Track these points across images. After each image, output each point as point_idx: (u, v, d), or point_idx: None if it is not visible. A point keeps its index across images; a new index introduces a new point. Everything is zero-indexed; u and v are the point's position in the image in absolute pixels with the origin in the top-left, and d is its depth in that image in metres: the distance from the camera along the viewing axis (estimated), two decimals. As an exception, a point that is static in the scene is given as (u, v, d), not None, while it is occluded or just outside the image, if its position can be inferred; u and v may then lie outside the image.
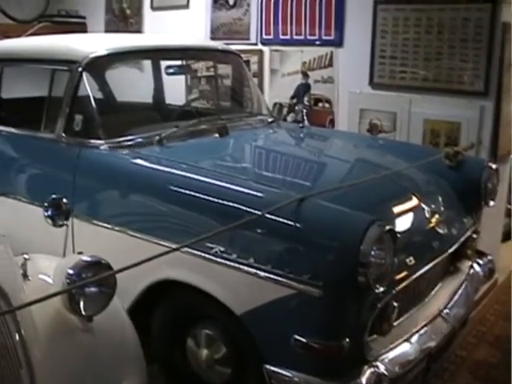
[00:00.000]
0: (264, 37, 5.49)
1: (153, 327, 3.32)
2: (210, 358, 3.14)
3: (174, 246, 2.96)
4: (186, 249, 2.91)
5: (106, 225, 3.40)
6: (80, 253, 2.46)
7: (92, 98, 3.77)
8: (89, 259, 2.40)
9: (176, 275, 3.05)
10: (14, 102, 4.94)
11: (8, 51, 4.51)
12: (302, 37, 5.23)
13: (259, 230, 2.80)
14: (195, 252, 2.95)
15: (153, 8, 6.40)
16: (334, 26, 5.05)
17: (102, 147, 3.60)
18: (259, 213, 2.74)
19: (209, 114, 4.41)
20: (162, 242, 3.11)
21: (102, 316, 2.43)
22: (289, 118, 5.31)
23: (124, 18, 6.65)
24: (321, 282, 2.63)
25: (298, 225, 2.73)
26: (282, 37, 5.36)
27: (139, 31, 6.46)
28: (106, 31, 6.77)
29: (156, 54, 4.46)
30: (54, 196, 2.77)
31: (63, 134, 3.75)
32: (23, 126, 4.18)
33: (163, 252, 2.35)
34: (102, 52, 3.90)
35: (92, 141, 3.64)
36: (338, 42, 5.05)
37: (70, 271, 2.35)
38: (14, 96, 4.97)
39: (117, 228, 3.34)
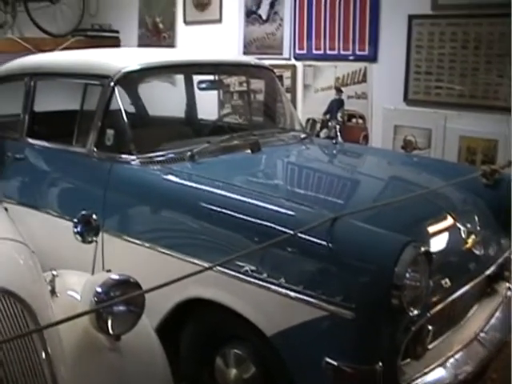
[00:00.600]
0: (297, 51, 5.45)
1: (181, 346, 3.27)
2: (239, 378, 3.08)
3: (203, 264, 2.98)
4: (217, 267, 2.87)
5: (135, 240, 3.37)
6: (109, 271, 2.43)
7: (124, 113, 3.75)
8: (117, 277, 2.37)
9: (206, 294, 3.01)
10: (47, 115, 4.95)
11: (41, 65, 4.54)
12: (335, 52, 5.18)
13: (291, 250, 2.75)
14: (225, 270, 2.90)
15: (186, 22, 6.40)
16: (368, 41, 5.00)
17: (133, 162, 3.58)
18: (291, 232, 2.69)
19: (241, 130, 4.37)
20: (192, 260, 3.07)
21: (130, 335, 2.40)
22: (322, 134, 5.25)
23: (157, 33, 6.66)
24: (353, 304, 2.56)
25: (330, 245, 2.67)
26: (315, 52, 5.32)
27: (172, 45, 6.47)
28: (139, 45, 6.79)
29: (188, 68, 4.44)
30: (83, 212, 2.73)
31: (95, 149, 3.74)
32: (55, 139, 4.18)
33: (195, 272, 2.31)
34: (135, 67, 3.89)
35: (123, 156, 3.62)
36: (372, 57, 4.99)
37: (99, 289, 2.32)
38: (47, 109, 5.00)
39: (147, 244, 3.31)
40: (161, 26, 6.62)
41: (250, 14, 5.74)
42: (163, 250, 3.23)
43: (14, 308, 2.12)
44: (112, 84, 3.75)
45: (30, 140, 4.34)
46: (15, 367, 2.03)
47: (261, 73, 4.69)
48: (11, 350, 2.03)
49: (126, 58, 4.10)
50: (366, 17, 4.99)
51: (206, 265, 2.95)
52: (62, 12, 7.11)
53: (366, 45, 5.01)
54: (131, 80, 3.96)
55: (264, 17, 5.64)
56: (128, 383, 2.37)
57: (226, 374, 3.12)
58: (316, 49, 5.30)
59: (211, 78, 4.54)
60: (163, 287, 2.09)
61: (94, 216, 2.75)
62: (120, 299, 2.26)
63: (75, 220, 2.72)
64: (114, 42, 6.97)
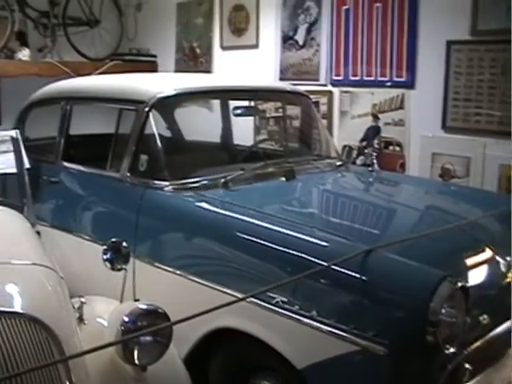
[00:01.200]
0: (334, 77, 5.40)
1: (210, 376, 3.22)
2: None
3: (233, 293, 2.94)
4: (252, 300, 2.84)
5: (166, 267, 3.34)
6: (137, 300, 2.39)
7: (158, 139, 3.74)
8: (145, 307, 2.33)
9: (236, 324, 2.95)
10: (82, 138, 4.98)
11: (77, 89, 4.57)
12: (372, 78, 5.12)
13: (323, 282, 2.69)
14: (257, 301, 2.85)
15: (222, 47, 6.40)
16: (406, 67, 4.93)
17: (166, 188, 3.56)
18: (324, 263, 2.64)
19: (276, 156, 4.32)
20: (222, 289, 3.03)
21: (157, 365, 2.36)
22: (358, 161, 5.18)
23: (194, 57, 6.68)
24: (386, 340, 2.48)
25: (363, 278, 2.61)
26: (352, 78, 5.26)
27: (209, 70, 6.47)
28: (176, 70, 6.81)
29: (224, 94, 4.43)
30: (113, 239, 2.71)
31: (128, 174, 3.74)
32: (90, 163, 4.19)
33: (228, 302, 2.27)
34: (170, 92, 3.89)
35: (156, 182, 3.60)
36: (410, 84, 4.92)
37: (126, 319, 2.28)
38: (82, 133, 5.03)
39: (177, 271, 3.28)
40: (198, 50, 6.63)
41: (287, 40, 5.71)
42: (193, 278, 3.20)
43: (39, 335, 2.10)
44: (147, 109, 3.75)
45: (65, 163, 4.36)
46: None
47: (297, 99, 4.65)
48: (35, 377, 2.00)
49: (161, 83, 4.10)
50: (404, 43, 4.92)
51: (237, 294, 2.93)
52: (100, 36, 7.17)
53: (403, 71, 4.94)
54: (166, 105, 3.96)
55: (301, 42, 5.61)
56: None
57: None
58: (353, 75, 5.24)
59: (247, 103, 4.51)
60: (190, 319, 2.06)
61: (124, 243, 2.72)
62: (147, 331, 2.21)
63: (105, 247, 2.69)
64: (152, 67, 6.99)
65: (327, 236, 2.92)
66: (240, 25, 6.15)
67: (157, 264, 3.39)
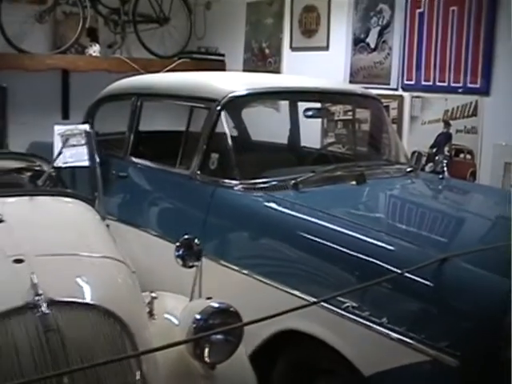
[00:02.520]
0: (405, 82, 5.31)
1: (272, 377, 3.20)
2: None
3: (301, 295, 2.95)
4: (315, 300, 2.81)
5: (233, 266, 3.34)
6: (209, 298, 2.39)
7: (229, 138, 3.74)
8: (217, 305, 2.33)
9: (303, 327, 2.92)
10: (151, 134, 5.01)
11: (148, 86, 4.61)
12: (445, 84, 5.02)
13: (395, 289, 2.65)
14: (325, 305, 2.81)
15: (292, 48, 6.38)
16: (481, 74, 4.81)
17: (236, 188, 3.56)
18: (397, 271, 2.60)
19: (345, 160, 4.29)
20: (288, 290, 3.02)
21: (225, 364, 2.36)
22: (427, 168, 5.09)
23: (263, 58, 6.67)
24: (458, 352, 2.42)
25: (436, 287, 2.57)
26: (424, 83, 5.17)
27: (277, 71, 6.45)
28: (244, 70, 6.81)
29: (294, 95, 4.40)
30: (186, 236, 2.72)
31: (198, 172, 3.74)
32: (158, 159, 4.22)
33: (301, 306, 2.26)
34: (241, 91, 3.89)
35: (227, 181, 3.60)
36: (485, 91, 4.81)
37: (198, 316, 2.28)
38: (149, 129, 5.06)
39: (244, 271, 3.27)
40: (267, 51, 6.62)
41: (358, 43, 5.65)
42: (260, 278, 3.19)
43: (112, 328, 2.13)
44: (218, 108, 3.75)
45: (134, 159, 4.40)
46: (107, 377, 2.03)
47: (368, 102, 4.60)
48: (108, 368, 2.01)
49: (233, 81, 4.11)
50: (480, 48, 4.80)
51: (304, 296, 2.93)
52: (169, 34, 7.22)
53: (478, 77, 4.83)
54: (237, 104, 3.95)
55: (372, 45, 5.54)
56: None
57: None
58: (425, 80, 5.15)
59: (317, 105, 4.48)
60: (264, 320, 2.04)
61: (197, 241, 2.72)
62: (220, 330, 2.21)
63: (177, 244, 2.70)
64: (220, 66, 7.00)
65: (394, 240, 2.88)
66: (310, 26, 6.12)
67: (224, 262, 3.39)
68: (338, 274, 2.89)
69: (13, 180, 3.67)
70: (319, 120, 5.72)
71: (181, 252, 2.68)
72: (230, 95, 3.81)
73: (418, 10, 5.16)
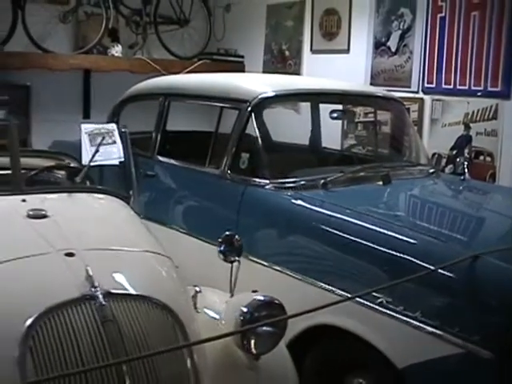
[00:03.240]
0: (426, 85, 5.40)
1: (303, 371, 3.28)
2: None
3: (332, 288, 3.08)
4: (348, 295, 2.91)
5: (265, 262, 3.44)
6: (255, 291, 2.48)
7: (259, 138, 3.83)
8: (263, 298, 2.42)
9: (336, 321, 3.02)
10: (177, 134, 5.11)
11: (176, 86, 4.70)
12: (465, 87, 5.10)
13: (427, 284, 2.74)
14: (358, 300, 2.91)
15: (312, 51, 6.46)
16: (502, 78, 4.90)
17: (267, 187, 3.65)
18: (429, 267, 2.70)
19: (368, 161, 4.38)
20: (320, 285, 3.15)
21: (268, 355, 2.44)
22: (447, 170, 5.18)
23: (282, 60, 6.76)
24: (493, 344, 2.52)
25: (469, 282, 2.66)
26: (444, 86, 5.25)
27: (297, 73, 6.54)
28: (264, 71, 6.89)
29: (320, 97, 4.49)
30: (227, 233, 2.82)
31: (228, 171, 3.83)
32: (185, 158, 4.31)
33: (338, 300, 2.35)
34: (270, 93, 3.98)
35: (257, 180, 3.70)
36: (505, 94, 4.89)
37: (244, 309, 2.37)
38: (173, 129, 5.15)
39: (276, 267, 3.37)
40: (287, 53, 6.71)
41: (379, 46, 5.73)
42: (291, 274, 3.30)
43: (164, 318, 2.22)
44: (249, 109, 3.84)
45: (161, 158, 4.49)
46: (164, 373, 2.11)
47: (391, 105, 4.68)
48: (162, 357, 2.10)
49: (262, 83, 4.19)
50: (501, 52, 4.88)
51: (335, 290, 3.06)
52: (189, 35, 7.32)
53: (498, 81, 4.91)
54: (266, 105, 4.03)
55: (393, 49, 5.62)
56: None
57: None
58: (446, 83, 5.23)
59: (341, 107, 4.57)
60: (308, 313, 2.14)
61: (237, 237, 2.81)
62: (268, 321, 2.30)
63: (219, 239, 2.80)
64: (239, 67, 7.09)
65: (419, 236, 3.01)
66: (331, 29, 6.20)
67: (255, 259, 3.48)
68: (369, 269, 3.00)
69: (47, 178, 3.76)
70: (339, 122, 5.80)
71: (222, 247, 2.76)
72: (260, 96, 3.90)
73: (439, 15, 5.24)
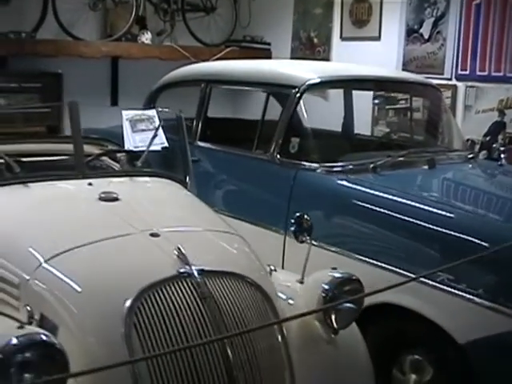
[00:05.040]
0: (459, 72, 5.48)
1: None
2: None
3: (388, 267, 3.19)
4: (408, 274, 3.04)
5: (321, 244, 3.50)
6: (334, 268, 2.57)
7: (308, 123, 3.92)
8: (342, 275, 2.51)
9: (398, 299, 3.11)
10: (218, 120, 5.18)
11: (219, 72, 4.76)
12: (500, 74, 5.18)
13: (490, 261, 2.85)
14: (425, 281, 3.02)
15: (342, 38, 6.53)
16: (537, 64, 4.99)
17: (318, 170, 3.74)
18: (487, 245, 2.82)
19: (407, 147, 4.45)
20: (377, 263, 3.26)
21: (344, 331, 2.53)
22: (480, 156, 5.26)
23: (311, 47, 6.82)
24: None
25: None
26: (479, 73, 5.33)
27: (327, 60, 6.60)
28: (292, 58, 6.95)
29: (362, 83, 4.56)
30: (298, 214, 2.90)
31: (278, 156, 3.91)
32: (225, 144, 4.39)
33: (406, 280, 2.45)
34: (317, 79, 4.06)
35: (308, 164, 3.78)
36: (541, 81, 4.98)
37: (326, 286, 2.46)
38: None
39: (332, 248, 3.46)
40: (315, 40, 6.77)
41: (411, 33, 5.81)
42: (347, 254, 3.39)
43: (255, 295, 2.31)
44: (298, 95, 3.92)
45: (202, 144, 4.56)
46: (260, 346, 2.21)
47: (427, 91, 4.75)
48: (257, 333, 2.21)
49: (307, 69, 4.27)
50: (536, 38, 4.98)
51: (391, 268, 3.19)
52: (215, 22, 7.37)
53: (534, 68, 5.00)
54: (313, 91, 4.11)
55: (426, 36, 5.70)
56: (342, 375, 2.49)
57: (403, 382, 3.22)
58: (480, 70, 5.31)
59: (385, 93, 4.66)
60: (385, 291, 2.22)
61: (306, 217, 2.90)
62: (352, 298, 2.39)
63: (292, 220, 2.88)
64: (266, 54, 7.15)
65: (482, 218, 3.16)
66: (362, 16, 6.27)
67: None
68: (419, 248, 3.17)
69: (94, 163, 3.83)
70: (369, 108, 5.87)
71: (293, 228, 2.85)
72: (308, 82, 3.98)
73: (474, 2, 5.32)
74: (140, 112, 4.15)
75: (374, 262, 3.28)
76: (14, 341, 1.89)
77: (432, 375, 3.11)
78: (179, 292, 2.17)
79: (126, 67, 7.01)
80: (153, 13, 7.00)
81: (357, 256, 3.35)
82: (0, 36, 6.08)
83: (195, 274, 2.21)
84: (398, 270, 3.17)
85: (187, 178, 3.55)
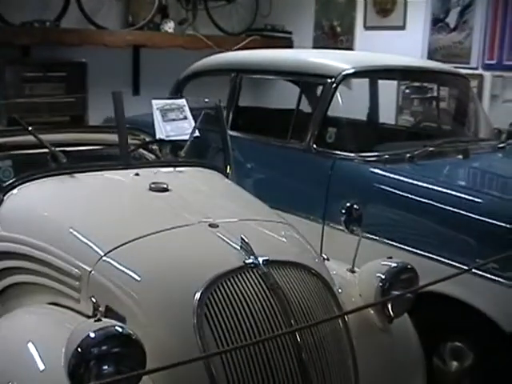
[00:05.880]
0: (486, 61, 5.51)
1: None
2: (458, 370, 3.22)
3: (427, 254, 3.25)
4: (452, 263, 3.12)
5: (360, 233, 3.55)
6: (389, 257, 2.61)
7: (344, 113, 3.95)
8: (397, 265, 2.55)
9: (442, 288, 3.13)
10: (246, 109, 5.21)
11: (250, 62, 4.79)
12: (529, 63, 5.22)
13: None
14: (462, 267, 3.07)
15: (366, 27, 6.55)
16: None
17: (356, 160, 3.77)
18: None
19: (437, 137, 4.48)
20: (417, 251, 3.31)
21: (398, 319, 2.58)
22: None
23: (333, 36, 6.85)
24: None
25: None
26: (506, 62, 5.36)
27: (350, 49, 6.62)
28: (314, 47, 6.97)
29: (394, 73, 4.59)
30: (348, 204, 2.94)
31: (314, 145, 3.95)
32: (256, 133, 4.41)
33: (458, 273, 2.48)
34: (351, 69, 4.09)
35: (345, 153, 3.81)
36: None
37: (383, 276, 2.50)
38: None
39: (373, 237, 3.49)
40: (338, 29, 6.79)
41: (437, 23, 5.83)
42: (389, 243, 3.44)
43: (318, 285, 2.35)
44: (334, 85, 3.96)
45: (233, 133, 4.57)
46: (325, 334, 2.25)
47: (457, 81, 4.78)
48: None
49: (342, 59, 4.29)
50: None
51: (430, 255, 3.25)
52: (236, 11, 7.39)
53: None
54: (348, 81, 4.14)
55: (452, 25, 5.72)
56: (397, 363, 2.55)
57: (444, 370, 3.27)
58: (507, 59, 5.34)
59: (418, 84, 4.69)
60: (441, 282, 2.26)
61: (356, 206, 2.94)
62: (411, 289, 2.43)
63: (342, 211, 2.92)
64: (287, 43, 7.19)
65: None
66: (386, 5, 6.29)
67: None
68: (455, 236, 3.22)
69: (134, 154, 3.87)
70: (393, 97, 5.90)
71: (344, 218, 2.89)
72: (344, 73, 4.02)
73: (502, -8, 5.34)
74: (170, 101, 4.17)
75: (414, 250, 3.32)
76: (92, 334, 1.90)
77: (472, 361, 3.16)
78: (247, 283, 2.19)
79: (147, 56, 7.04)
80: (175, 2, 7.02)
81: (396, 245, 3.39)
82: (25, 25, 6.11)
83: (261, 264, 2.23)
84: (439, 258, 3.21)
85: (228, 168, 3.59)
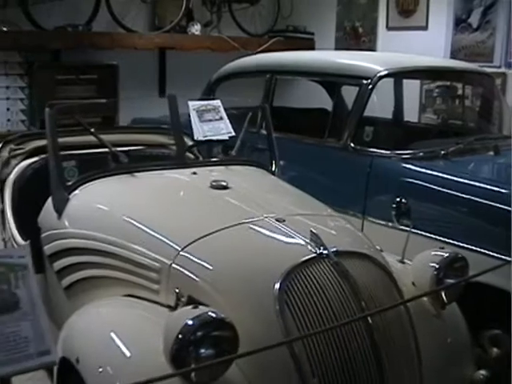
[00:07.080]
0: (509, 60, 5.67)
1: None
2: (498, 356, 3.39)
3: (459, 244, 3.40)
4: (489, 252, 3.30)
5: (399, 226, 3.72)
6: (442, 248, 2.80)
7: (381, 112, 4.14)
8: (449, 254, 2.74)
9: (485, 279, 3.29)
10: (279, 109, 5.38)
11: (285, 63, 4.96)
12: (552, 62, 5.38)
13: None
14: (499, 256, 3.26)
15: (388, 28, 6.71)
16: None
17: (393, 158, 3.96)
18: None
19: (465, 134, 4.65)
20: (455, 243, 3.46)
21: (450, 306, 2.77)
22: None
23: (356, 37, 7.01)
24: None
25: None
26: (528, 61, 5.53)
27: (372, 50, 6.78)
28: (336, 48, 7.14)
29: (424, 73, 4.78)
30: (397, 199, 3.11)
31: (351, 144, 4.13)
32: (291, 132, 4.59)
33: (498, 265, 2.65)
34: (385, 71, 4.27)
35: (383, 151, 4.00)
36: None
37: (437, 266, 2.69)
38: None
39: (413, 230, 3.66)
40: (360, 30, 6.96)
41: (460, 23, 6.00)
42: (430, 236, 3.59)
43: (382, 275, 2.55)
44: (371, 86, 4.14)
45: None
46: (390, 316, 2.43)
47: (483, 80, 4.95)
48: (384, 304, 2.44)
49: (377, 61, 4.47)
50: None
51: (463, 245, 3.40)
52: (259, 13, 7.56)
53: None
54: (383, 82, 4.32)
55: (475, 25, 5.89)
56: (450, 346, 2.73)
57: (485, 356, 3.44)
58: (530, 58, 5.51)
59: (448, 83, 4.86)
60: (485, 273, 2.43)
61: (404, 200, 3.11)
62: (464, 279, 2.61)
63: (393, 205, 3.10)
64: (309, 44, 7.36)
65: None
66: (408, 6, 6.45)
67: (387, 223, 3.78)
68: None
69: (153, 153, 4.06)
70: (417, 96, 6.08)
71: (394, 212, 3.07)
72: (379, 74, 4.20)
73: (525, -9, 5.50)
74: (205, 102, 4.33)
75: (453, 242, 3.49)
76: (190, 322, 2.09)
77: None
78: (321, 272, 2.37)
79: (173, 59, 7.20)
80: (200, 5, 7.20)
81: (435, 237, 3.56)
82: (58, 29, 6.29)
83: (332, 254, 2.41)
84: (477, 249, 3.40)
85: (273, 166, 3.77)
